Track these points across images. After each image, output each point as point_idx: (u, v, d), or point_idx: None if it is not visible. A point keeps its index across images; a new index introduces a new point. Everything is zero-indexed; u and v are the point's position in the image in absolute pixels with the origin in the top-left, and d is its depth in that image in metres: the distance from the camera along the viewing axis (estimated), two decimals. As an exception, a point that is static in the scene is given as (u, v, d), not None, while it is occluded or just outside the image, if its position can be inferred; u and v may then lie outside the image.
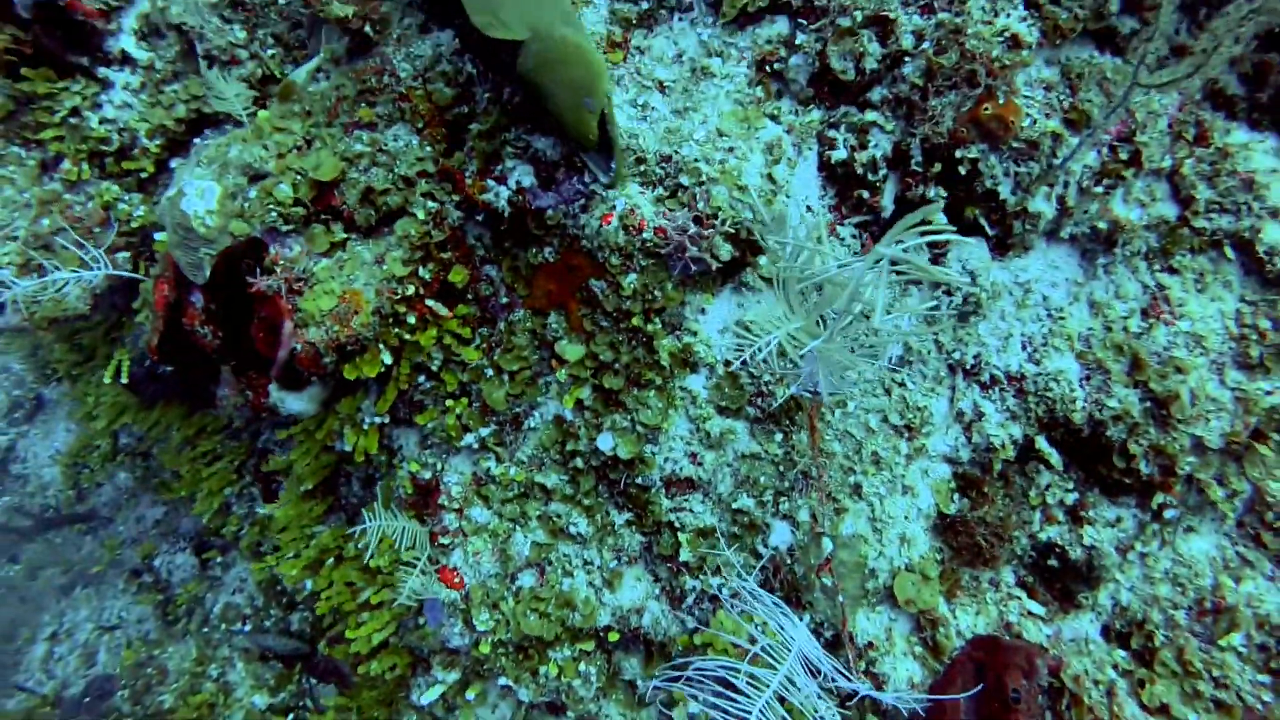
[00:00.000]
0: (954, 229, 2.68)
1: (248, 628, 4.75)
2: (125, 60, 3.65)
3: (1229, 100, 2.89)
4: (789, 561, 2.84)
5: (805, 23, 2.76)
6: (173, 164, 3.73)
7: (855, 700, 2.53)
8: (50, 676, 5.69)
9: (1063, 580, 2.99)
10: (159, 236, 3.18)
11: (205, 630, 4.94)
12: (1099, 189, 2.81)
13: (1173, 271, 2.93)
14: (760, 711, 2.21)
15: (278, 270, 2.77)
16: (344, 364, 2.86)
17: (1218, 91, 2.89)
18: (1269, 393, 2.87)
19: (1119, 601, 3.03)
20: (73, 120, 3.70)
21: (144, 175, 3.75)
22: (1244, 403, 2.88)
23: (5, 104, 3.82)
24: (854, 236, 2.86)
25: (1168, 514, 2.97)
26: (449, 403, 3.10)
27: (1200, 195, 2.86)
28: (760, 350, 1.93)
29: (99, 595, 5.87)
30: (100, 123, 3.66)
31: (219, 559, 5.16)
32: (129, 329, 4.27)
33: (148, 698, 4.85)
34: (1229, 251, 2.89)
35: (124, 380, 4.08)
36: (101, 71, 3.65)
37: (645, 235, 2.64)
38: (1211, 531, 3.04)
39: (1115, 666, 2.98)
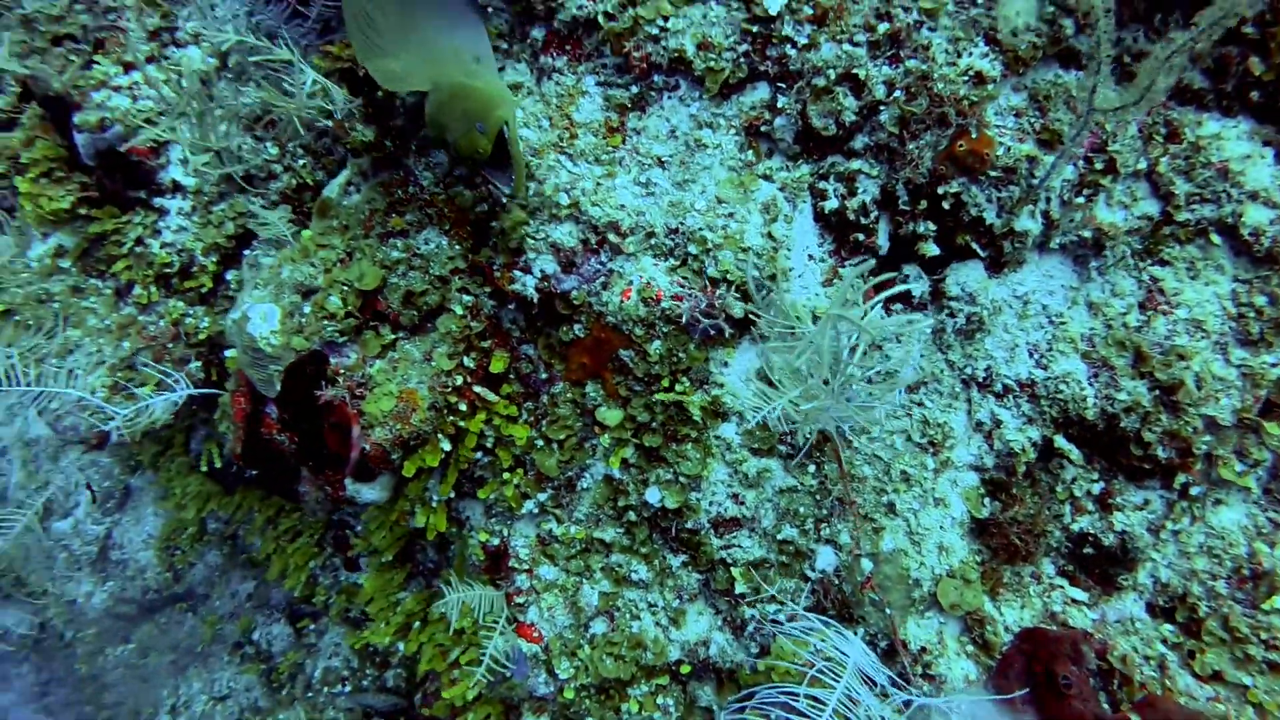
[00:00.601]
0: (904, 276, 2.91)
1: (348, 689, 5.08)
2: (176, 188, 4.01)
3: (1197, 94, 3.02)
4: (836, 582, 3.05)
5: (784, 86, 2.96)
6: (228, 275, 4.07)
7: (911, 708, 2.72)
8: (175, 748, 6.10)
9: (1101, 565, 3.13)
10: (229, 354, 3.50)
11: (310, 695, 5.27)
12: (1080, 199, 2.97)
13: (1164, 264, 3.06)
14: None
15: (340, 380, 3.07)
16: (408, 457, 3.14)
17: (1185, 87, 3.02)
18: (1274, 365, 2.99)
19: (1159, 579, 3.16)
20: (138, 249, 4.08)
21: (204, 290, 4.10)
22: (1251, 377, 3.00)
23: (80, 243, 4.25)
24: (857, 277, 3.05)
25: (1193, 490, 3.09)
26: (506, 475, 3.35)
27: (1179, 190, 2.98)
28: (768, 416, 2.16)
29: (207, 669, 6.27)
30: (161, 247, 4.01)
31: (312, 626, 5.51)
32: (201, 418, 4.66)
33: (266, 763, 5.21)
34: (1215, 238, 3.02)
35: (218, 465, 4.46)
36: (157, 201, 4.02)
37: (664, 304, 2.87)
38: (1240, 501, 3.15)
39: (1164, 641, 3.11)
